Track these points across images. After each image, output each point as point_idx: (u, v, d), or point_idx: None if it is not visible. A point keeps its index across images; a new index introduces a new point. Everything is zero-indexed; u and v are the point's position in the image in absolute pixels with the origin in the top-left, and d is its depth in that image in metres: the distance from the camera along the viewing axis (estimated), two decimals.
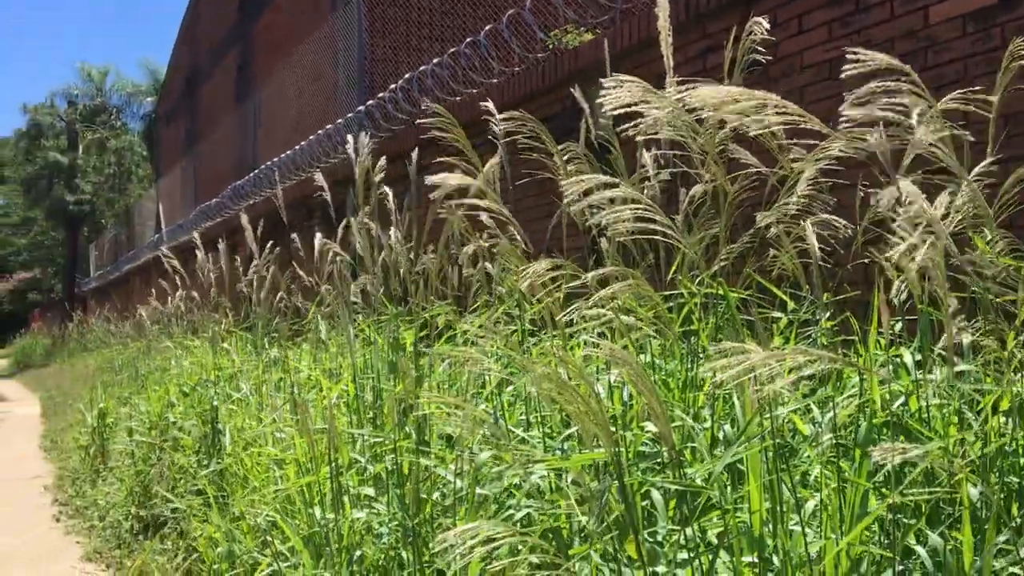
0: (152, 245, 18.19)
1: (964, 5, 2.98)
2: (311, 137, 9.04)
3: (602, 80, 1.56)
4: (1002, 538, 1.24)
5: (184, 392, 5.15)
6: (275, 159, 10.15)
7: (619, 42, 4.58)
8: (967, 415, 1.69)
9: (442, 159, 2.63)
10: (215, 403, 4.16)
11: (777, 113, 1.33)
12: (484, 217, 2.69)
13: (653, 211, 1.38)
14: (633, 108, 1.47)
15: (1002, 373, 1.62)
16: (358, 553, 2.15)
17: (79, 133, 34.07)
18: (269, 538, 2.44)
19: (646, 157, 2.84)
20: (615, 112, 1.44)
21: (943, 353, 1.95)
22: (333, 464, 2.13)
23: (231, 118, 15.88)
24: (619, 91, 1.38)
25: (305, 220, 8.62)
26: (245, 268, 5.04)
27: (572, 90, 2.98)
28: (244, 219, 4.79)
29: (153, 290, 10.58)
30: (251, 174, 11.41)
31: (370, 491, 2.24)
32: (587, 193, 1.43)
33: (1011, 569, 1.28)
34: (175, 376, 5.77)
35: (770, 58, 3.71)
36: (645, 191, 2.57)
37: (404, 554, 2.12)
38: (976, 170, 1.81)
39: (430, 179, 2.07)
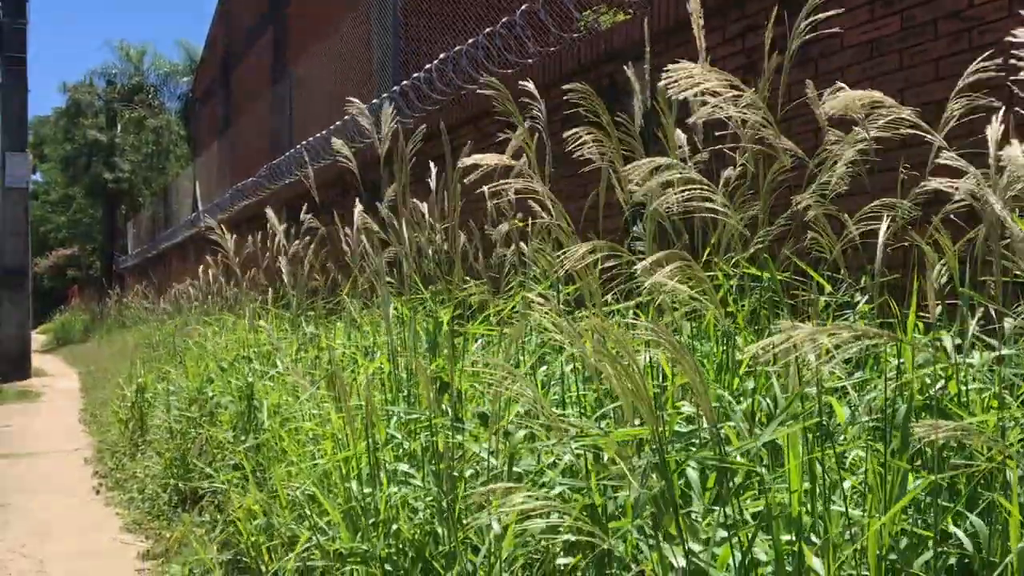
0: (189, 223, 18.40)
1: None
2: (346, 116, 9.06)
3: (671, 66, 1.57)
4: None
5: (222, 368, 5.23)
6: (310, 139, 10.21)
7: (654, 23, 4.55)
8: (1007, 399, 1.68)
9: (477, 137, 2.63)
10: (250, 379, 4.22)
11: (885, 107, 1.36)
12: (515, 197, 2.70)
13: (711, 191, 1.39)
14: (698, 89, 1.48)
15: None
16: (394, 527, 2.18)
17: (117, 112, 34.46)
18: (307, 511, 2.48)
19: (681, 137, 2.83)
20: (682, 95, 1.45)
21: (983, 337, 1.93)
22: (370, 440, 2.15)
23: (266, 97, 15.97)
24: (689, 73, 1.39)
25: (341, 199, 8.67)
26: (280, 247, 5.09)
27: (625, 67, 2.97)
28: (269, 212, 4.84)
29: (189, 268, 10.72)
30: (287, 153, 11.48)
31: (406, 467, 2.27)
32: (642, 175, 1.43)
33: None
34: (212, 352, 5.86)
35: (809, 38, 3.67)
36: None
37: (439, 529, 2.15)
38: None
39: (466, 160, 2.09)
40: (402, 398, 2.72)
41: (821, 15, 1.99)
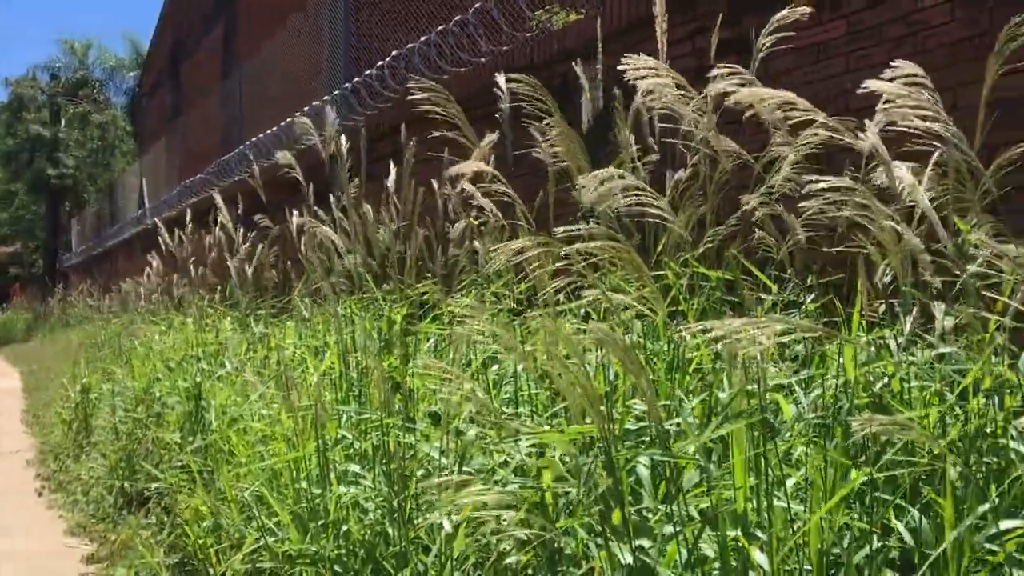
0: (135, 220, 18.07)
1: None
2: (296, 114, 8.98)
3: (626, 58, 1.59)
4: (983, 508, 1.27)
5: (169, 367, 5.15)
6: (259, 136, 10.09)
7: (607, 23, 4.57)
8: (948, 396, 1.72)
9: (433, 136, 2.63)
10: (198, 379, 4.16)
11: (795, 109, 1.41)
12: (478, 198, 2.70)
13: (653, 196, 1.41)
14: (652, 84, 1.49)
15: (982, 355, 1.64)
16: (344, 528, 2.16)
17: (62, 107, 33.72)
18: (256, 512, 2.45)
19: (631, 138, 2.86)
20: (645, 90, 1.46)
21: (925, 335, 1.98)
22: (320, 440, 2.14)
23: (216, 91, 15.74)
24: (647, 73, 1.40)
25: (292, 196, 8.57)
26: (230, 245, 5.03)
27: (574, 64, 2.99)
28: (218, 199, 4.78)
29: (136, 266, 10.53)
30: (236, 150, 11.33)
31: (356, 468, 2.25)
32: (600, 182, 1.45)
33: (987, 545, 1.31)
34: (159, 352, 5.76)
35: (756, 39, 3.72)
36: (634, 173, 2.58)
37: (390, 530, 2.13)
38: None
39: (455, 168, 2.09)
40: (353, 398, 2.70)
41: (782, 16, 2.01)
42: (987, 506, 1.26)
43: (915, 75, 1.54)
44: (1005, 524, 1.28)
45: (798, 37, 3.62)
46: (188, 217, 6.43)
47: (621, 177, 1.68)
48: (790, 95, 1.51)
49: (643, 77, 1.46)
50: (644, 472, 1.55)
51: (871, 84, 1.43)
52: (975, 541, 1.27)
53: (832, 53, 3.47)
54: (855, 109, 3.21)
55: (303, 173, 3.85)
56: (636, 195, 1.67)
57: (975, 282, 1.76)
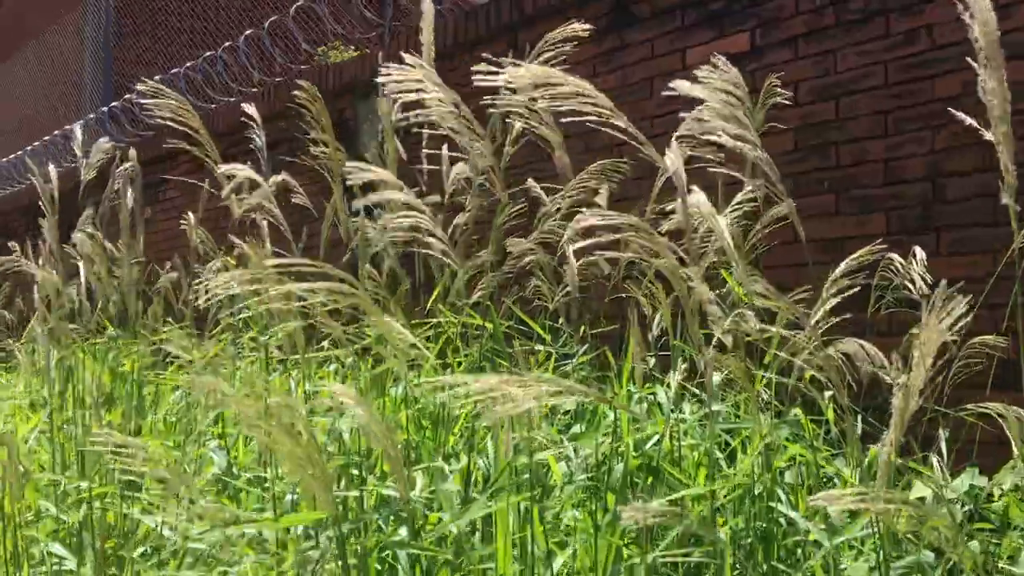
0: None
1: (718, 49, 3.09)
2: (46, 137, 8.22)
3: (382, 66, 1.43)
4: None
5: None
6: (2, 160, 9.15)
7: (387, 61, 4.44)
8: (717, 456, 1.66)
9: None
10: None
11: (586, 103, 1.19)
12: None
13: (431, 219, 1.25)
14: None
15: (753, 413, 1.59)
16: None
17: None
18: None
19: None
20: (396, 96, 1.29)
21: (694, 390, 1.93)
22: (14, 514, 1.79)
23: None
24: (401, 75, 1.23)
25: (37, 227, 7.78)
26: None
27: (357, 103, 2.81)
28: None
29: None
30: None
31: (58, 548, 1.90)
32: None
33: None
34: None
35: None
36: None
37: None
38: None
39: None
40: (62, 464, 2.33)
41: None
42: None
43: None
44: None
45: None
46: None
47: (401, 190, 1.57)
48: (584, 83, 1.28)
49: (407, 91, 1.29)
50: (402, 559, 1.35)
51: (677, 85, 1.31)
52: None
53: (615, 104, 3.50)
54: (629, 159, 3.24)
55: (51, 201, 3.43)
56: (410, 216, 1.53)
57: (744, 336, 1.71)
